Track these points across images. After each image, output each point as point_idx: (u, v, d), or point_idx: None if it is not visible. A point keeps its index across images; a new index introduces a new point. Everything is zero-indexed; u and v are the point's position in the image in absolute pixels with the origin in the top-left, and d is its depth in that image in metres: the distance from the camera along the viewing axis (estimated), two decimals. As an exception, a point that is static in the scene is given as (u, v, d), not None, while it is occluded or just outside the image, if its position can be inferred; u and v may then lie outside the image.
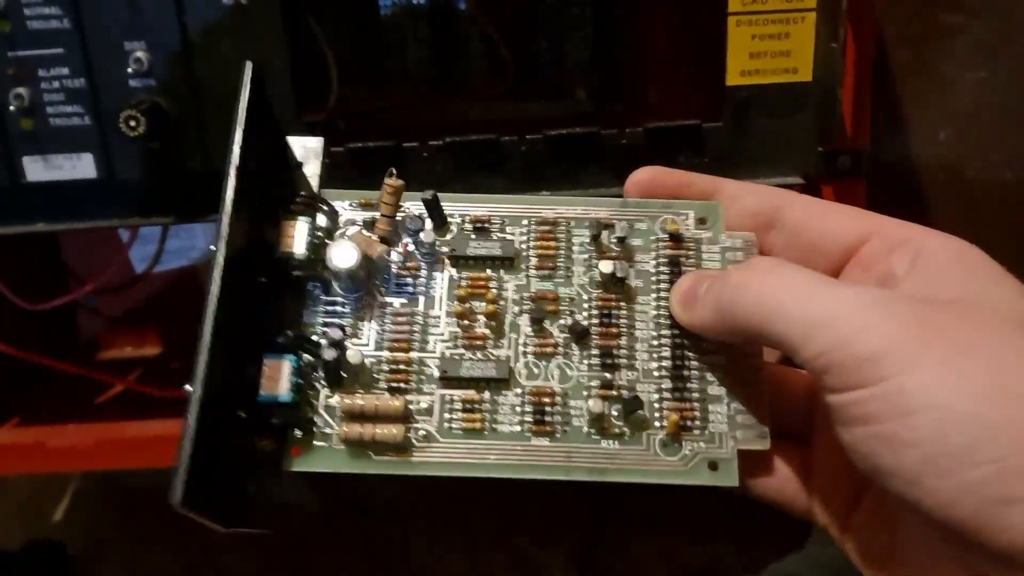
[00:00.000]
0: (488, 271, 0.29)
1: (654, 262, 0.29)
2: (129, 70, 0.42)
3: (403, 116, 0.58)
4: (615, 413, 0.26)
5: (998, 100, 0.61)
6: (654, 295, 0.28)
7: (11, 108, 0.42)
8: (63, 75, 0.42)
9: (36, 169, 0.44)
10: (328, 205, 0.29)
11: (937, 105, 0.61)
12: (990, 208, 0.63)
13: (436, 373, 0.27)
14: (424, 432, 0.26)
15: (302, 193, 0.29)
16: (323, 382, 0.27)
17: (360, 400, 0.26)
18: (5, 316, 0.54)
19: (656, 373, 0.27)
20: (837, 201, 0.44)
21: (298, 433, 0.27)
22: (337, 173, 0.45)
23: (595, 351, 0.27)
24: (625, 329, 0.28)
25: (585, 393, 0.27)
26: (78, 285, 0.63)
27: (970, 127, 0.61)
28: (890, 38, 0.59)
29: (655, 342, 0.27)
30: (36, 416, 0.55)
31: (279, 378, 0.26)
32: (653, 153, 0.44)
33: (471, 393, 0.27)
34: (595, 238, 0.29)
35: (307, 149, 0.31)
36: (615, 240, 0.29)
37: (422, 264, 0.29)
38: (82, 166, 0.44)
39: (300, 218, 0.28)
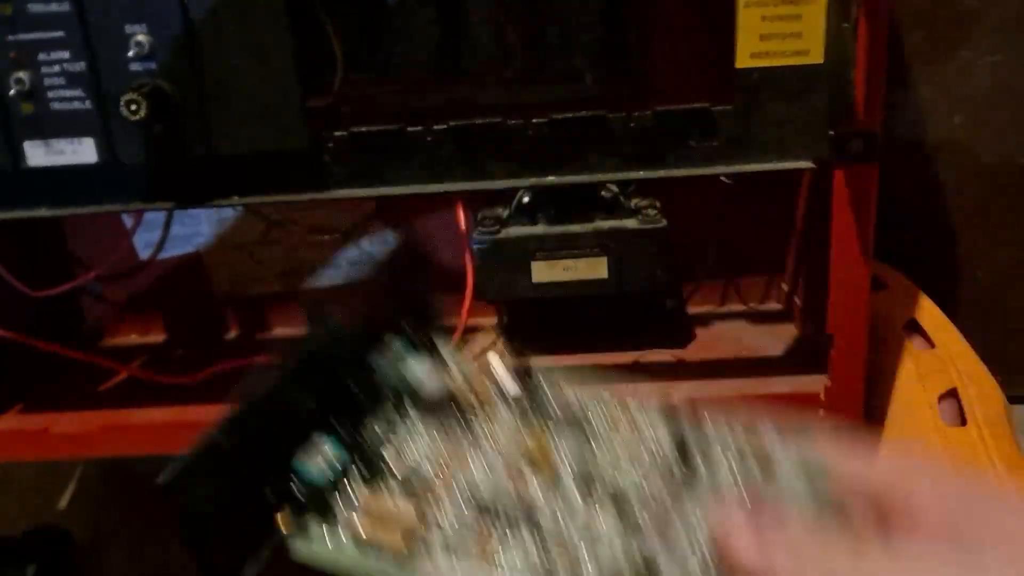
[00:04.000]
0: (552, 431, 0.28)
1: (726, 466, 0.26)
2: (130, 53, 0.41)
3: (410, 101, 0.57)
4: None
5: (1015, 84, 0.60)
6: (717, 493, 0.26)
7: (12, 92, 0.42)
8: (64, 59, 0.42)
9: (37, 154, 0.43)
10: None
11: (953, 89, 0.60)
12: (1006, 192, 0.62)
13: (466, 494, 0.26)
14: (431, 542, 0.25)
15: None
16: (358, 478, 0.27)
17: (378, 500, 0.26)
18: (9, 303, 0.54)
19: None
20: (848, 186, 0.44)
21: (313, 515, 0.26)
22: (342, 158, 0.44)
23: (629, 519, 0.25)
24: (674, 513, 0.25)
25: (607, 551, 0.24)
26: (82, 272, 0.63)
27: (986, 111, 0.60)
28: (906, 21, 0.58)
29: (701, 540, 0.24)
30: (40, 403, 0.54)
31: (317, 455, 0.27)
32: (662, 137, 0.43)
33: (490, 521, 0.26)
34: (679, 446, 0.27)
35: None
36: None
37: (498, 405, 0.29)
38: (83, 151, 0.43)
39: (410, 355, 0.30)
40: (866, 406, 0.53)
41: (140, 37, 0.41)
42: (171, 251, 0.63)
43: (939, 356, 0.53)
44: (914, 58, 0.59)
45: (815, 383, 0.49)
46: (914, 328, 0.55)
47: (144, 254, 0.63)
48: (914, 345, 0.54)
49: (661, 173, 0.44)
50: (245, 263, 0.63)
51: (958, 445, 0.50)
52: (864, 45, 0.40)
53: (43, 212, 0.45)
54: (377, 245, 0.63)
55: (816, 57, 0.41)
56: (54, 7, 0.41)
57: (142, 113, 0.40)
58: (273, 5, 0.41)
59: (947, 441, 0.50)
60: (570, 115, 0.43)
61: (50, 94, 0.42)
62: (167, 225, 0.61)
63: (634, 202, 0.56)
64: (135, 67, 0.42)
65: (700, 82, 0.57)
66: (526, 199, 0.56)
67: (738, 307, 0.63)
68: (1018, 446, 0.50)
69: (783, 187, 0.58)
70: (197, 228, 0.63)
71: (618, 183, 0.55)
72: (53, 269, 0.62)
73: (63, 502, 0.67)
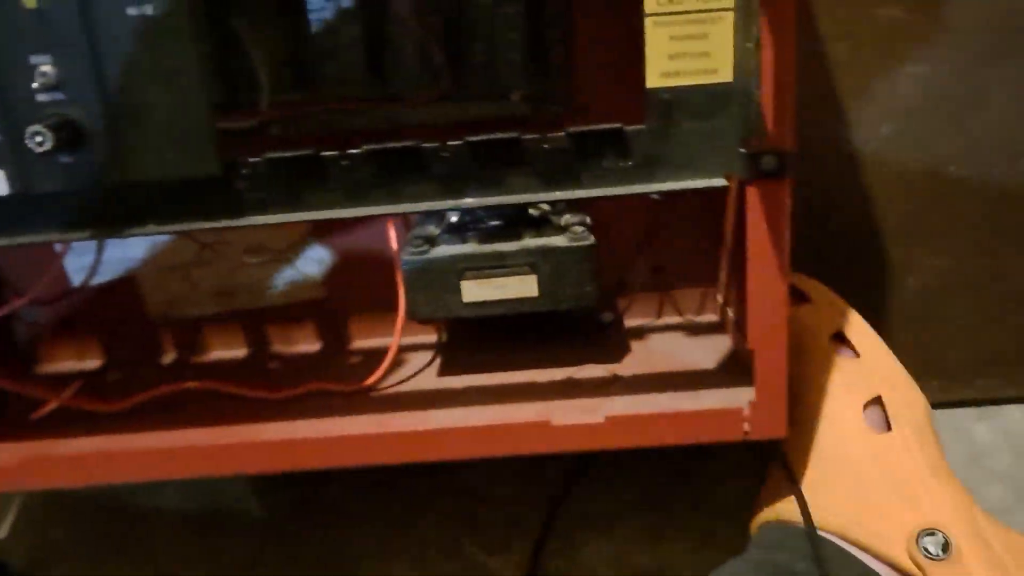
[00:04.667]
0: None
1: None
2: (35, 85, 0.41)
3: (337, 121, 0.57)
4: None
5: (939, 93, 0.61)
6: None
7: (-82, 125, 0.41)
8: (-30, 90, 0.41)
9: (-54, 186, 0.43)
10: None
11: (878, 100, 0.61)
12: (936, 201, 0.63)
13: None
14: None
15: None
16: None
17: None
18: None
19: None
20: (762, 203, 0.44)
21: None
22: (257, 184, 0.44)
23: None
24: None
25: None
26: (14, 297, 0.62)
27: (912, 122, 0.61)
28: (827, 33, 0.59)
29: None
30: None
31: None
32: (577, 157, 0.44)
33: None
34: None
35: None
36: None
37: None
38: (-6, 182, 0.43)
39: None
40: (793, 418, 0.53)
41: (45, 68, 0.41)
42: (106, 275, 0.63)
43: (864, 365, 0.53)
44: (839, 70, 0.60)
45: (743, 397, 0.49)
46: (840, 340, 0.55)
47: (77, 278, 0.62)
48: (840, 356, 0.54)
49: (578, 193, 0.44)
50: (179, 285, 0.63)
51: (883, 451, 0.50)
52: (771, 61, 0.41)
53: (-44, 245, 0.44)
54: (312, 265, 0.63)
55: (725, 76, 0.42)
56: (-43, 39, 0.41)
57: (48, 145, 0.40)
58: (180, 31, 0.41)
59: (872, 447, 0.50)
60: (485, 137, 0.43)
61: (-43, 126, 0.42)
62: (100, 249, 0.60)
63: (565, 219, 0.56)
64: (42, 98, 0.41)
65: (628, 99, 0.57)
66: (454, 218, 0.56)
67: (675, 319, 0.64)
68: (941, 449, 0.51)
69: (716, 197, 0.58)
70: (130, 252, 0.63)
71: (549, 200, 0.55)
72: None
73: (3, 532, 0.66)
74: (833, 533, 0.49)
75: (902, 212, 0.63)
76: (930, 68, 0.60)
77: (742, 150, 0.42)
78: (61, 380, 0.62)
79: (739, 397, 0.49)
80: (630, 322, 0.64)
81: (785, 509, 0.51)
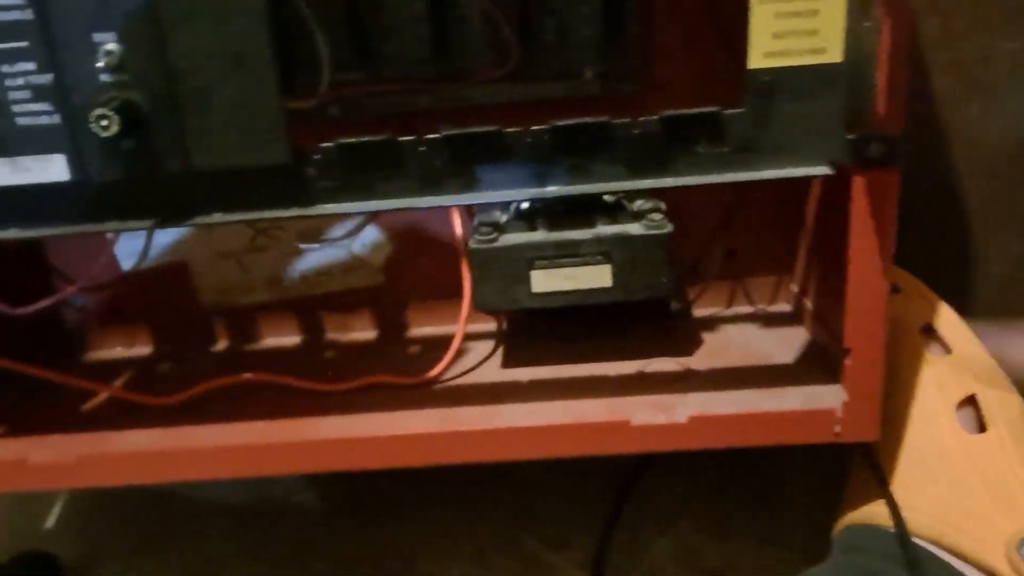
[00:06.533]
0: None
1: None
2: (100, 64, 0.38)
3: (399, 101, 0.55)
4: None
5: (1032, 71, 0.57)
6: None
7: (-27, 107, 0.39)
8: (29, 71, 0.39)
9: (3, 172, 0.40)
10: None
11: (970, 77, 0.57)
12: (1020, 185, 0.60)
13: None
14: None
15: None
16: None
17: None
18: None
19: None
20: (868, 194, 0.41)
21: None
22: (328, 171, 0.42)
23: None
24: None
25: None
26: (64, 284, 0.60)
27: (1004, 100, 0.58)
28: (918, 8, 0.55)
29: None
30: (18, 428, 0.52)
31: None
32: (669, 143, 0.41)
33: None
34: None
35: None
36: None
37: None
38: (53, 168, 0.40)
39: None
40: (882, 416, 0.51)
41: (110, 46, 0.38)
42: (156, 259, 0.61)
43: (956, 362, 0.51)
44: (929, 46, 0.56)
45: (831, 395, 0.46)
46: (930, 333, 0.52)
47: (129, 263, 0.60)
48: (931, 351, 0.52)
49: (668, 182, 0.41)
50: (232, 272, 0.61)
51: (978, 452, 0.48)
52: (887, 41, 0.38)
53: (12, 234, 0.42)
54: (371, 252, 0.60)
55: (834, 56, 0.39)
56: (16, 15, 0.38)
57: (114, 129, 0.38)
58: (251, 13, 0.38)
59: (967, 449, 0.48)
60: (571, 122, 0.41)
61: (15, 108, 0.40)
62: (150, 235, 0.58)
63: (637, 204, 0.53)
64: (105, 78, 0.39)
65: (709, 81, 0.54)
66: (524, 204, 0.53)
67: (746, 308, 0.61)
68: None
69: (791, 182, 0.56)
70: (181, 234, 0.60)
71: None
72: (33, 283, 0.59)
73: (50, 523, 0.65)
74: (925, 538, 0.46)
75: (986, 194, 0.60)
76: (1022, 45, 0.57)
77: (848, 136, 0.39)
78: (111, 369, 0.61)
79: (826, 396, 0.46)
80: (700, 311, 0.61)
81: (874, 512, 0.48)
